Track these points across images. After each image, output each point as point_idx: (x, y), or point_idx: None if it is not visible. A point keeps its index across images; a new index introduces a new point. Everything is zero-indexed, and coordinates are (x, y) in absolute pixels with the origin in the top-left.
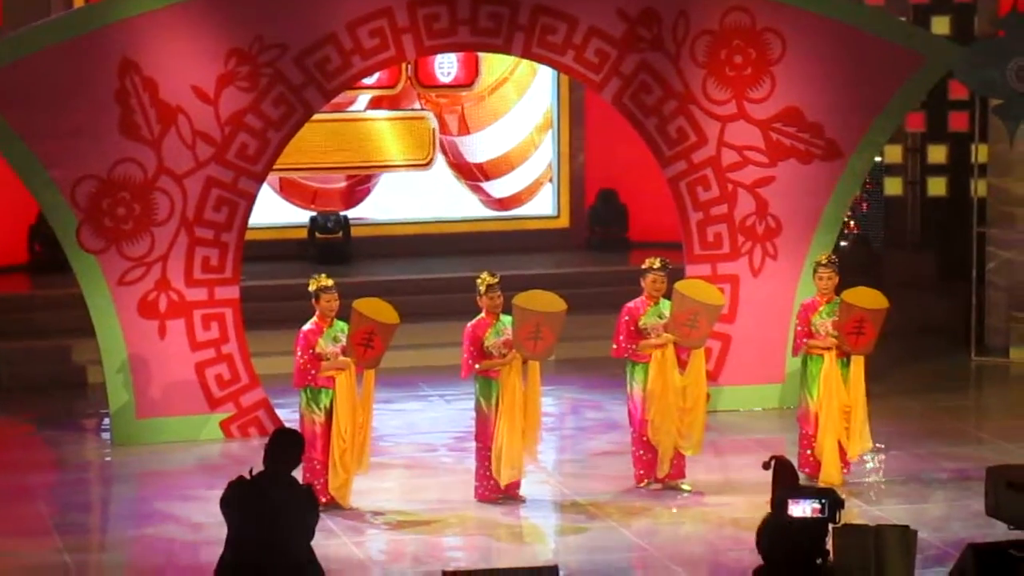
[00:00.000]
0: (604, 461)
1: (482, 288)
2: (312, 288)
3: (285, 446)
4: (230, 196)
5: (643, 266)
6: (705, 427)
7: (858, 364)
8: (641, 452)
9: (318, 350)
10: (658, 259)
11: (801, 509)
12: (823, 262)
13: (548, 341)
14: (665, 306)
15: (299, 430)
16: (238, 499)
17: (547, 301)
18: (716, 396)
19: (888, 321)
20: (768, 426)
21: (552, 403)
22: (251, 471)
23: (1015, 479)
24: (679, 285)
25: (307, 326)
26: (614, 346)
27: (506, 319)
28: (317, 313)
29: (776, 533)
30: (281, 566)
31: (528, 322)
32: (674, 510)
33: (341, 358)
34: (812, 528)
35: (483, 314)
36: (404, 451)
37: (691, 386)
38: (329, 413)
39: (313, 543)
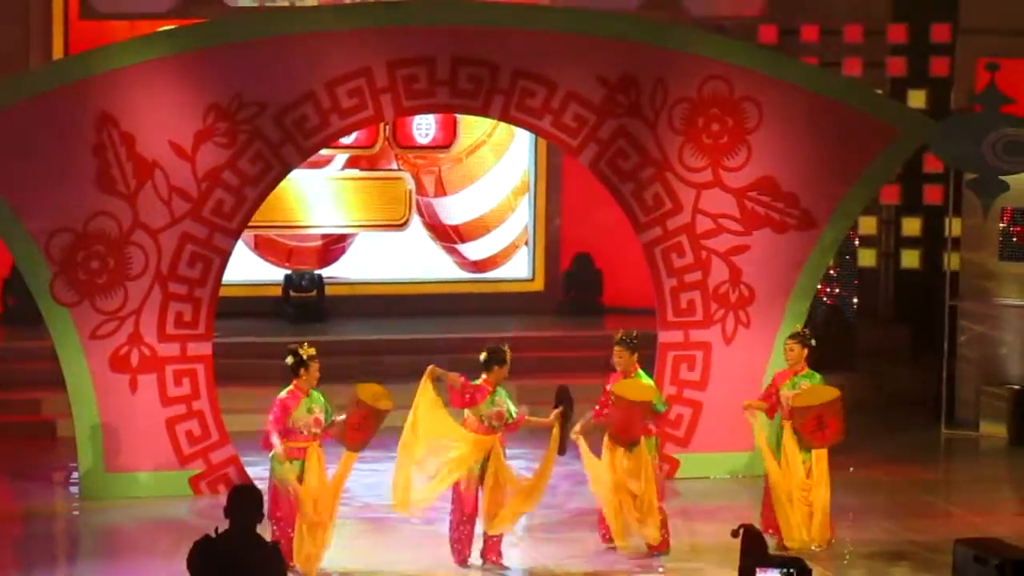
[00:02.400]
0: (575, 525)
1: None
2: (304, 356)
3: (246, 503)
4: (205, 252)
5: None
6: (661, 519)
7: (820, 456)
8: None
9: (291, 421)
10: (620, 332)
11: None
12: (792, 334)
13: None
14: (641, 376)
15: (267, 490)
16: (204, 558)
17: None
18: (686, 462)
19: (859, 392)
20: (737, 494)
21: (523, 467)
22: (216, 529)
23: (982, 552)
24: (615, 387)
25: (284, 394)
26: (596, 407)
27: (500, 390)
28: (297, 382)
29: None
30: None
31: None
32: None
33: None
34: None
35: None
36: (375, 512)
37: (641, 477)
38: (298, 479)
39: None
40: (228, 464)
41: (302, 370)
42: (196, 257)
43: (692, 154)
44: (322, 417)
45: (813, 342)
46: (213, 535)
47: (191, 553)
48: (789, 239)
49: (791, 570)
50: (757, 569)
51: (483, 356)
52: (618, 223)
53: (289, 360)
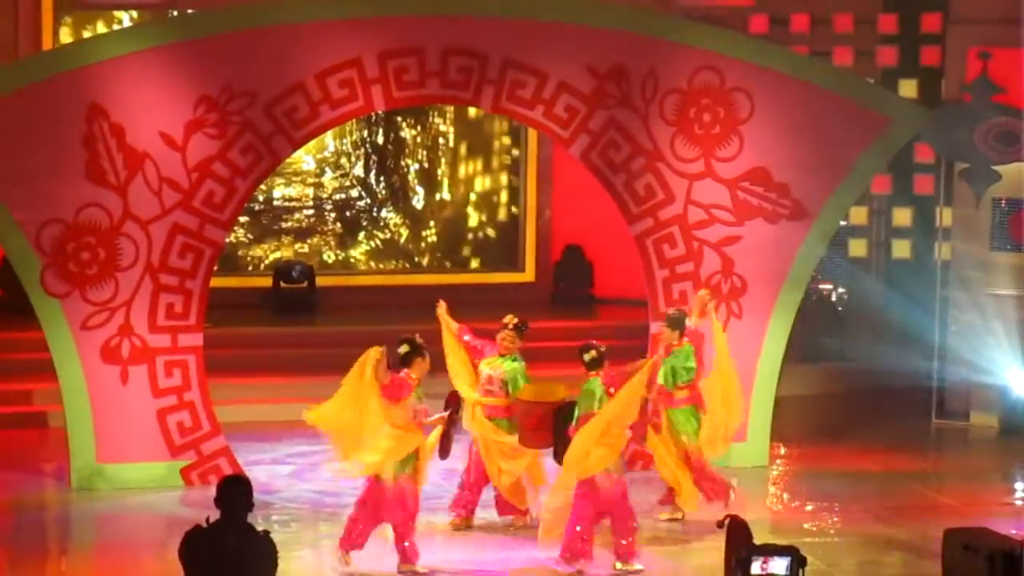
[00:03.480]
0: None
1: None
2: (420, 346)
3: (235, 493)
4: (195, 243)
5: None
6: None
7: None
8: None
9: (409, 402)
10: (515, 319)
11: (761, 567)
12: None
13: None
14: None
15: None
16: (195, 548)
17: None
18: None
19: (850, 383)
20: None
21: None
22: (207, 519)
23: (972, 542)
24: (521, 393)
25: (402, 374)
26: None
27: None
28: (408, 371)
29: None
30: None
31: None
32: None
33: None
34: None
35: None
36: None
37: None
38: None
39: None
40: (219, 455)
41: (417, 359)
42: (187, 248)
43: (684, 145)
44: (428, 409)
45: (688, 322)
46: (204, 525)
47: (182, 544)
48: (781, 229)
49: (787, 559)
50: (753, 559)
51: (592, 355)
52: (609, 214)
53: (404, 349)
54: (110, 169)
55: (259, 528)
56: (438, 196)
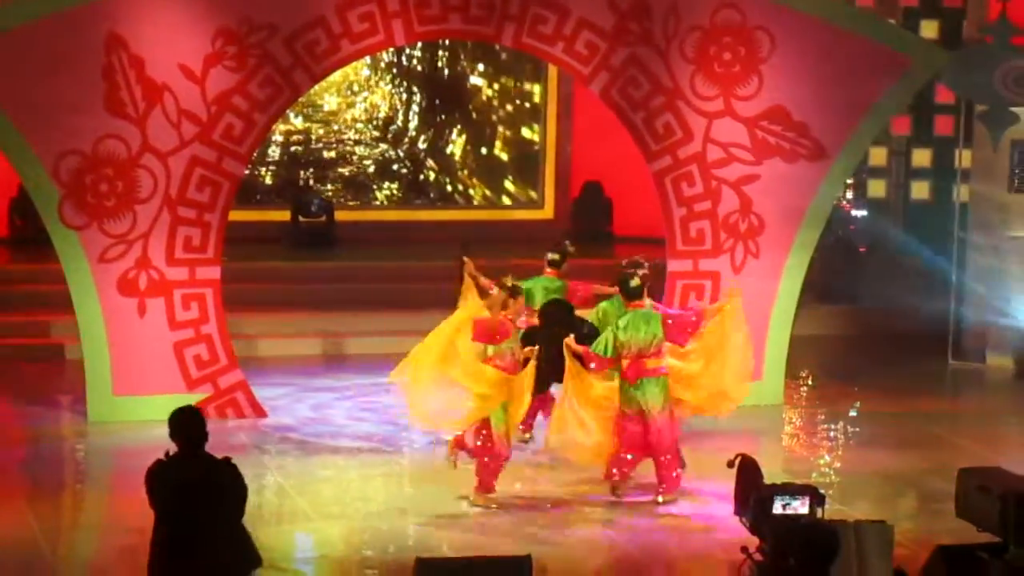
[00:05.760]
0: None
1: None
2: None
3: (188, 424)
4: (214, 176)
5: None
6: None
7: None
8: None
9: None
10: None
11: (783, 506)
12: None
13: None
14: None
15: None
16: (162, 480)
17: None
18: None
19: (867, 324)
20: (743, 423)
21: None
22: (167, 453)
23: (985, 482)
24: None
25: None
26: None
27: None
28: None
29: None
30: (212, 542)
31: None
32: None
33: None
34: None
35: None
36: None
37: None
38: None
39: None
40: (236, 389)
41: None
42: (205, 181)
43: (703, 83)
44: None
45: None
46: (164, 459)
47: (148, 476)
48: (799, 169)
49: (806, 498)
50: (775, 497)
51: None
52: (628, 152)
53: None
54: (129, 101)
55: (230, 460)
56: (459, 134)
